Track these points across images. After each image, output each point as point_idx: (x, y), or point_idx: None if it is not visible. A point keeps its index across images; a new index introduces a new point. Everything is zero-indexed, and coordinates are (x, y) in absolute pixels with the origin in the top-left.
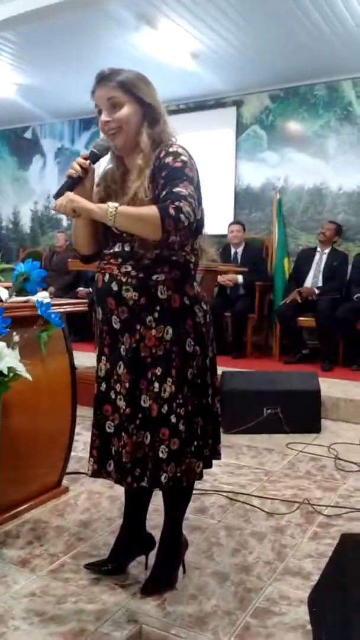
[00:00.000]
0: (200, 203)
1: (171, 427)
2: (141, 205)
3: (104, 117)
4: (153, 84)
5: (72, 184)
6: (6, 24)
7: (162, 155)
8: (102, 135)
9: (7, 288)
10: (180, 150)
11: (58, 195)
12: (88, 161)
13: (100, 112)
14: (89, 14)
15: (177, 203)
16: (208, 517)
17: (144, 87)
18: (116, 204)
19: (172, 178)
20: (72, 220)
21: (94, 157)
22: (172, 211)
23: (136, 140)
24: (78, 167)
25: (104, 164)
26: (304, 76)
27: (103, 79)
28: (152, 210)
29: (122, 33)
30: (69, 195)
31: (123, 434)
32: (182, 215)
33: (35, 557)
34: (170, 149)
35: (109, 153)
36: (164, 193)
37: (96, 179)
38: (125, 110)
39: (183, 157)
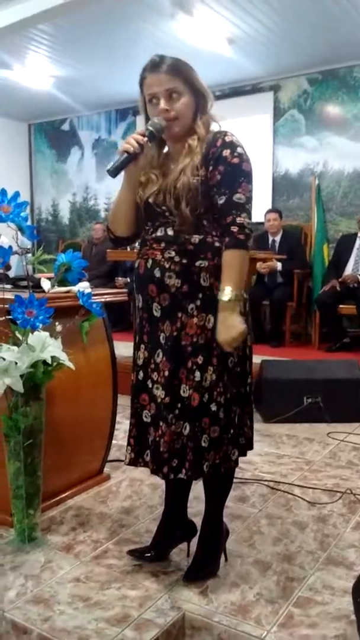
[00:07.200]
0: None
1: (211, 415)
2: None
3: (163, 105)
4: None
5: (129, 159)
6: (43, 16)
7: (219, 144)
8: (155, 119)
9: (49, 279)
10: (234, 139)
11: (115, 169)
12: (145, 138)
13: (151, 100)
14: (124, 3)
15: (238, 220)
16: (249, 506)
17: (196, 76)
18: (227, 297)
19: (230, 180)
20: (117, 196)
21: (151, 135)
22: (241, 237)
23: (190, 127)
24: (135, 143)
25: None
26: (342, 58)
27: (158, 65)
28: (236, 257)
29: (157, 20)
30: (242, 329)
31: (161, 423)
32: (246, 230)
33: (79, 543)
34: (227, 138)
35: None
36: (223, 200)
37: None
38: (185, 101)
39: (239, 150)
